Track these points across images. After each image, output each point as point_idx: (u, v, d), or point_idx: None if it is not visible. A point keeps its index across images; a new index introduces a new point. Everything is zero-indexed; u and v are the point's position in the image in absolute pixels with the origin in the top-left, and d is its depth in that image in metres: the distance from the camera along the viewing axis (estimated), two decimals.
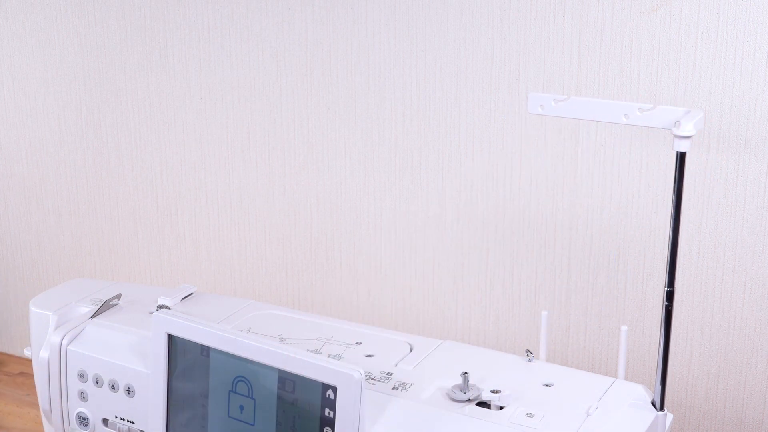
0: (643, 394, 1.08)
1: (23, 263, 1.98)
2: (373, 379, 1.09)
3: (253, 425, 1.04)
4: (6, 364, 2.01)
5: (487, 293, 1.54)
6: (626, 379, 1.12)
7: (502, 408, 1.04)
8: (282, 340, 1.19)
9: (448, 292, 1.57)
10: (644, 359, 1.46)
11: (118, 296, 1.30)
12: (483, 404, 1.05)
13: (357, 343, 1.18)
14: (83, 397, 1.22)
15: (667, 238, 1.11)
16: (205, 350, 1.05)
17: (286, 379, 1.00)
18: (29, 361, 1.93)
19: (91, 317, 1.26)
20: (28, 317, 1.29)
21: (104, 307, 1.28)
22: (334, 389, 0.97)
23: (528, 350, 1.13)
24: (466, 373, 1.06)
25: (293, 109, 1.61)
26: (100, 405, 1.20)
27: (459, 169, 1.51)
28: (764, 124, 1.31)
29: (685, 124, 0.99)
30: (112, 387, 1.18)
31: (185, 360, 1.07)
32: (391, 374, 1.10)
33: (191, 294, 1.32)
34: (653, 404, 1.06)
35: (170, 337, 1.08)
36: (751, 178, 1.33)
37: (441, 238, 1.56)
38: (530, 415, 1.02)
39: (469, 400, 1.05)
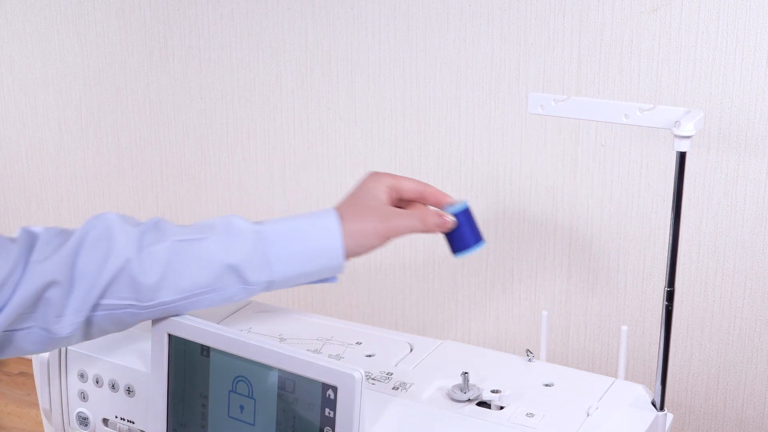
0: (643, 394, 1.08)
1: None
2: (373, 379, 1.09)
3: (253, 425, 1.04)
4: (6, 364, 2.01)
5: (487, 293, 1.54)
6: (626, 379, 1.12)
7: (502, 408, 1.03)
8: (282, 340, 1.19)
9: (448, 292, 1.57)
10: (644, 359, 1.46)
11: None
12: (483, 404, 1.05)
13: (357, 343, 1.18)
14: (83, 397, 1.22)
15: (667, 238, 1.11)
16: (205, 350, 1.05)
17: (286, 379, 1.00)
18: (29, 361, 1.93)
19: None
20: None
21: None
22: (334, 389, 0.97)
23: (528, 350, 1.13)
24: (466, 373, 1.06)
25: (293, 109, 1.61)
26: (100, 405, 1.20)
27: (459, 169, 1.51)
28: (764, 124, 1.31)
29: (685, 124, 0.99)
30: (112, 387, 1.18)
31: (185, 360, 1.07)
32: (391, 374, 1.10)
33: None
34: (653, 404, 1.06)
35: (170, 337, 1.08)
36: (751, 178, 1.33)
37: (441, 238, 1.56)
38: (530, 415, 1.02)
39: (469, 400, 1.05)
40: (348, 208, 1.05)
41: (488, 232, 1.51)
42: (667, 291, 1.05)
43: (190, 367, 1.07)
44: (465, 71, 1.46)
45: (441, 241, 1.56)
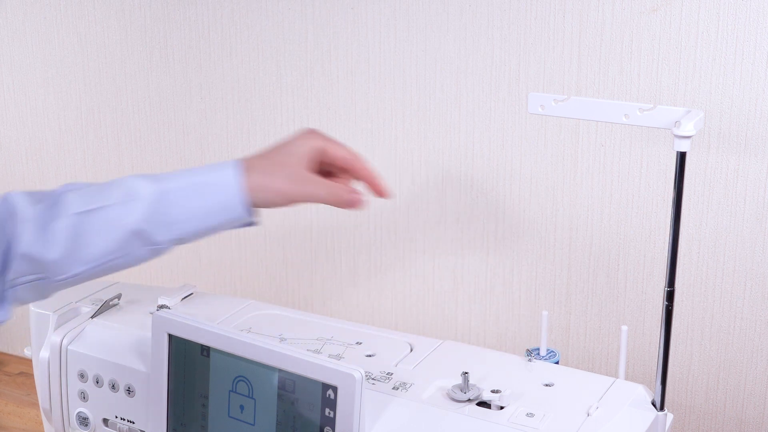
0: (643, 394, 1.08)
1: None
2: (373, 379, 1.09)
3: (253, 425, 1.04)
4: (6, 364, 2.01)
5: (487, 293, 1.54)
6: (626, 379, 1.12)
7: (502, 408, 1.04)
8: (282, 340, 1.19)
9: (448, 292, 1.57)
10: (644, 359, 1.46)
11: (119, 296, 1.30)
12: (483, 404, 1.05)
13: (357, 343, 1.18)
14: (83, 397, 1.22)
15: (667, 238, 1.11)
16: (205, 350, 1.05)
17: (286, 379, 1.00)
18: (29, 361, 1.93)
19: (91, 317, 1.26)
20: (29, 317, 1.29)
21: (104, 307, 1.28)
22: (334, 389, 0.97)
23: (528, 350, 1.13)
24: (466, 373, 1.06)
25: (293, 109, 1.61)
26: (100, 405, 1.20)
27: (459, 169, 1.51)
28: (764, 124, 1.31)
29: (685, 124, 0.99)
30: (112, 387, 1.18)
31: (185, 360, 1.07)
32: (391, 374, 1.10)
33: (191, 294, 1.32)
34: (653, 404, 1.06)
35: (170, 337, 1.08)
36: (751, 178, 1.33)
37: (441, 238, 1.56)
38: (530, 415, 1.02)
39: (469, 400, 1.05)
40: (261, 160, 1.03)
41: (488, 232, 1.52)
42: (667, 291, 1.05)
43: (190, 367, 1.07)
44: (465, 71, 1.46)
45: (441, 241, 1.57)
